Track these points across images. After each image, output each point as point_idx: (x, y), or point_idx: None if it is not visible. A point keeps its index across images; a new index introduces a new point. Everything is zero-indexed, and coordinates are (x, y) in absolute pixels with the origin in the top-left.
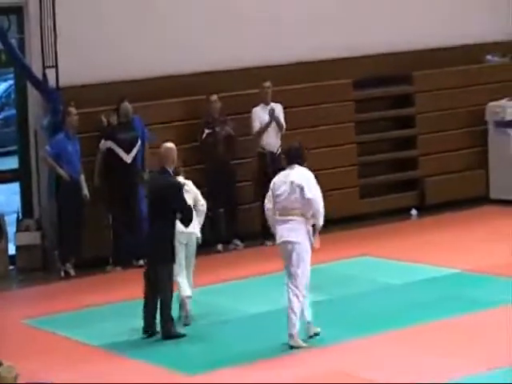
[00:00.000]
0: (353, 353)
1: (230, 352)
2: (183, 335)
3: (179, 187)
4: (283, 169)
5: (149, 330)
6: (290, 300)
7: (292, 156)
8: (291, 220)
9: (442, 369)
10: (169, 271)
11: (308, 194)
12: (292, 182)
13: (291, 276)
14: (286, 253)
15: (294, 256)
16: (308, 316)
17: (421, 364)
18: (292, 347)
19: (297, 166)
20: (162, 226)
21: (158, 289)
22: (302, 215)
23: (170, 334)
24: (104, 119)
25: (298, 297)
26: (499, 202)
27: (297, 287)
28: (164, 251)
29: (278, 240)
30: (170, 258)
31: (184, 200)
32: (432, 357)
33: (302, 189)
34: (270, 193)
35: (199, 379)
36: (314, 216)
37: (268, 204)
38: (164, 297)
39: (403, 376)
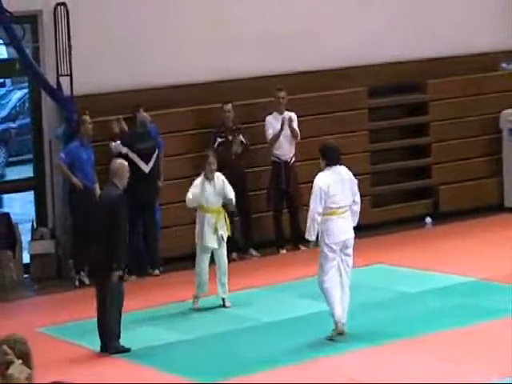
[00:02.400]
0: (364, 361)
1: (244, 360)
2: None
3: (123, 203)
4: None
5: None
6: (346, 292)
7: (337, 156)
8: (347, 216)
9: (455, 377)
10: (114, 282)
11: (357, 190)
12: (349, 180)
13: (347, 271)
14: (345, 248)
15: (351, 250)
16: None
17: (434, 372)
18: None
19: (339, 165)
20: (111, 236)
21: (107, 301)
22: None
23: (114, 351)
24: (115, 127)
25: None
26: None
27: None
28: (110, 261)
29: (338, 238)
30: (116, 267)
31: (122, 219)
32: (446, 365)
33: (355, 185)
34: (319, 196)
35: None
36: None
37: (319, 208)
38: (109, 310)
39: None
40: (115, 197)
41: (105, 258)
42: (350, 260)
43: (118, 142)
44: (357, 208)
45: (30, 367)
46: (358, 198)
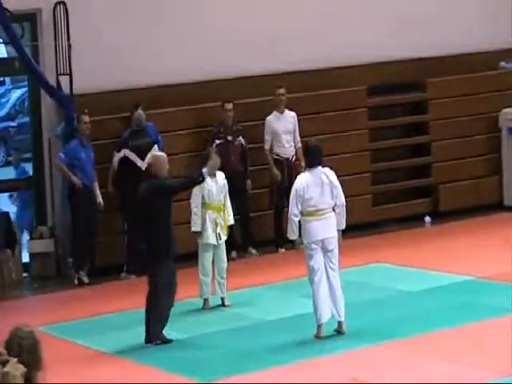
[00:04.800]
0: (364, 360)
1: (243, 359)
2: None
3: (164, 181)
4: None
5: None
6: (335, 288)
7: (318, 157)
8: (328, 217)
9: (454, 377)
10: (168, 270)
11: (340, 190)
12: (329, 183)
13: (333, 267)
14: (326, 247)
15: (336, 250)
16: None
17: (433, 372)
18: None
19: (321, 167)
20: (158, 226)
21: (157, 289)
22: (333, 211)
23: (157, 338)
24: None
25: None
26: None
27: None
28: (163, 249)
29: (315, 237)
30: (171, 253)
31: (171, 184)
32: (445, 365)
33: (335, 187)
34: (295, 198)
35: None
36: (337, 214)
37: (295, 210)
38: (163, 299)
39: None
40: (159, 181)
41: (155, 246)
42: (334, 259)
43: (116, 153)
44: (340, 210)
45: (39, 357)
46: (340, 201)
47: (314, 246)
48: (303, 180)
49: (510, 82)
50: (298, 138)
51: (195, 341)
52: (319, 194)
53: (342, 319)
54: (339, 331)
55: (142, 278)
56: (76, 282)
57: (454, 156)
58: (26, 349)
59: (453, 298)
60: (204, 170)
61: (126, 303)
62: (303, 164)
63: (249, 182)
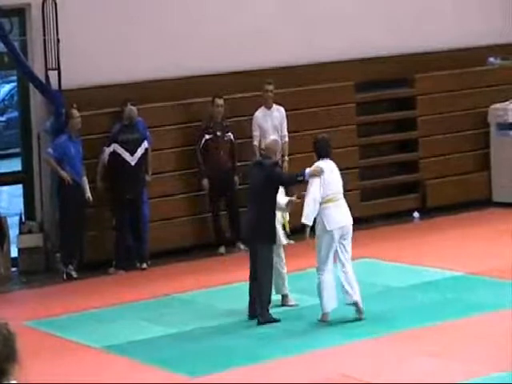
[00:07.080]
0: (353, 356)
1: (231, 354)
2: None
3: (274, 166)
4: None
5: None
6: (347, 273)
7: (326, 147)
8: (342, 204)
9: (443, 372)
10: (268, 253)
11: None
12: (337, 170)
13: (346, 253)
14: (343, 234)
15: (349, 236)
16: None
17: (422, 367)
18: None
19: (329, 159)
20: (262, 208)
21: (257, 272)
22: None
23: (264, 320)
24: None
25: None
26: (502, 204)
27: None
28: (264, 232)
29: (339, 224)
30: (271, 239)
31: (281, 174)
32: (433, 360)
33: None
34: (320, 181)
35: (200, 381)
36: None
37: (317, 194)
38: (262, 279)
39: (404, 379)
40: (270, 163)
41: (259, 227)
42: (348, 246)
43: (106, 148)
44: None
45: (13, 348)
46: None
47: (335, 233)
48: (322, 165)
49: (498, 78)
50: (285, 133)
51: (182, 336)
52: (333, 179)
53: (358, 299)
54: (357, 311)
55: (131, 273)
56: (65, 276)
57: (442, 152)
58: None
59: (441, 294)
60: (307, 171)
61: (115, 298)
62: (287, 158)
63: (236, 178)
